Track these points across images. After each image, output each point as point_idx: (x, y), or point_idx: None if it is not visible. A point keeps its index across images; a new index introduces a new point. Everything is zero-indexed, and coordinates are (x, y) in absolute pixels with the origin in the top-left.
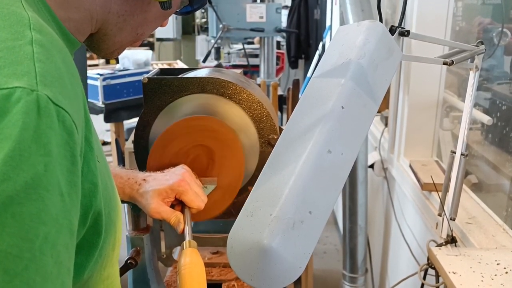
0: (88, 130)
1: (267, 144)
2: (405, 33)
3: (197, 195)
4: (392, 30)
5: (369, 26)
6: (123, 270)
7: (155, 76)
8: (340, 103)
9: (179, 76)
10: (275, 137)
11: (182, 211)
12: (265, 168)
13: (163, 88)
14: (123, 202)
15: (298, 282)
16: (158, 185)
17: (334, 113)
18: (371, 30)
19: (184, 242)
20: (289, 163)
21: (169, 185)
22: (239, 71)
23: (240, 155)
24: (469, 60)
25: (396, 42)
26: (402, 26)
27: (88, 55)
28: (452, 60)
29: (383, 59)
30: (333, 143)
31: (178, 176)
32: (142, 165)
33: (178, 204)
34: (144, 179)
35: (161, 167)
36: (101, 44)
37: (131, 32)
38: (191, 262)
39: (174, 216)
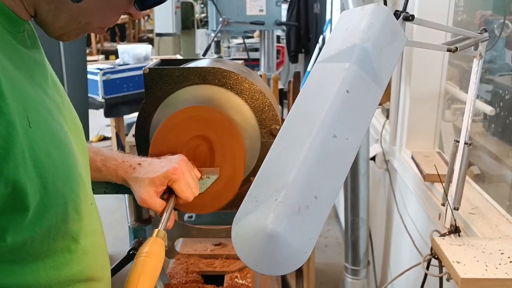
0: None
1: (269, 134)
2: (410, 18)
3: (188, 186)
4: (396, 15)
5: (373, 9)
6: (125, 260)
7: (156, 67)
8: (345, 88)
9: (181, 66)
10: (277, 127)
11: (168, 199)
12: (270, 153)
13: (164, 79)
14: (116, 186)
15: (300, 275)
16: (152, 173)
17: (339, 98)
18: (375, 13)
19: (154, 229)
20: (294, 148)
21: (163, 172)
22: (240, 62)
23: (240, 142)
24: (472, 48)
25: (400, 27)
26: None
27: (88, 50)
28: (456, 47)
29: (387, 43)
30: (338, 128)
31: (174, 164)
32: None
33: (167, 191)
34: (139, 163)
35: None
36: (45, 28)
37: (70, 20)
38: (148, 252)
39: (163, 209)
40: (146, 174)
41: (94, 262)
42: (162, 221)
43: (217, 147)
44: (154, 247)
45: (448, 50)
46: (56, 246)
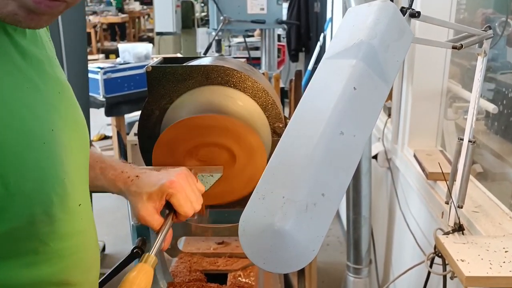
0: None
1: (272, 132)
2: (416, 15)
3: (187, 200)
4: (402, 11)
5: (380, 6)
6: (129, 259)
7: (159, 65)
8: (352, 84)
9: (184, 64)
10: (281, 125)
11: (167, 217)
12: (277, 150)
13: (167, 77)
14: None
15: (302, 274)
16: (149, 187)
17: (346, 94)
18: (382, 10)
19: (144, 254)
20: (301, 145)
21: (159, 186)
22: (242, 60)
23: (261, 150)
24: (476, 45)
25: (407, 23)
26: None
27: (88, 49)
28: (461, 44)
29: (394, 39)
30: (345, 125)
31: (171, 177)
32: (146, 155)
33: (167, 207)
34: (137, 176)
35: (166, 164)
36: None
37: None
38: (131, 283)
39: (159, 229)
40: (144, 188)
41: (72, 266)
42: (154, 245)
43: (237, 156)
44: (139, 277)
45: (453, 48)
46: (20, 248)
